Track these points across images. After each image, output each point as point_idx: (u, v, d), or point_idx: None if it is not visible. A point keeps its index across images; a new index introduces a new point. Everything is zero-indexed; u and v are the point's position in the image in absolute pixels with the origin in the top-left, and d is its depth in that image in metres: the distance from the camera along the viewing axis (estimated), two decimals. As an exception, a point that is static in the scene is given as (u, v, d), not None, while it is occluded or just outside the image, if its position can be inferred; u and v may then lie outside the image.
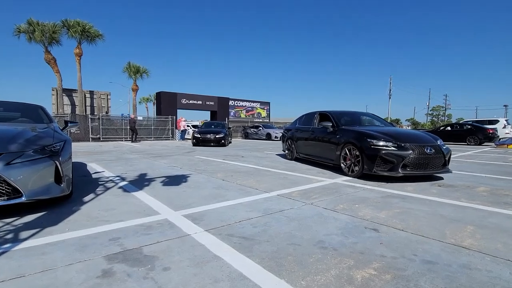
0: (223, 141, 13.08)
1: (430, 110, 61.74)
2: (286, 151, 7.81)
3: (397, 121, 62.47)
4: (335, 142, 5.51)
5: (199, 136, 13.25)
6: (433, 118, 62.43)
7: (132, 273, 1.86)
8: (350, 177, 4.88)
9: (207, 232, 2.46)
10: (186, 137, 19.89)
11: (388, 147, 4.52)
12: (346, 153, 5.14)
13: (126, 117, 20.10)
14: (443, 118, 60.52)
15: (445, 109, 60.13)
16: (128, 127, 18.38)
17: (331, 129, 5.77)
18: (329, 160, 5.71)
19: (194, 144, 13.36)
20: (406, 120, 67.90)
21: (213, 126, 15.20)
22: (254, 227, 2.55)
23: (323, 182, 4.66)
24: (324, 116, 6.40)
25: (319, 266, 1.95)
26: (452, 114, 63.29)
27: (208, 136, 13.19)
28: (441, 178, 4.91)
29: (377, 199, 3.54)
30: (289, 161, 7.69)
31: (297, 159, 7.42)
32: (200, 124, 22.42)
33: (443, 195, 3.77)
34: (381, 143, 4.57)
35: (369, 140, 4.70)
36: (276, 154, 9.26)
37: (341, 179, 4.87)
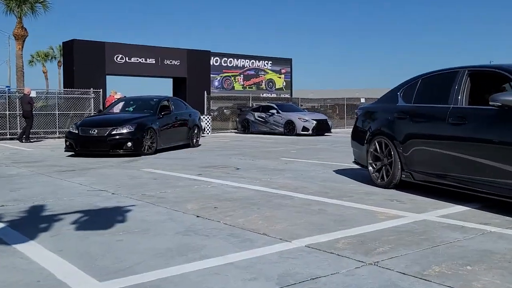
0: (129, 143, 11.90)
1: None
2: (373, 165, 6.89)
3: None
4: None
5: (76, 132, 12.27)
6: None
7: None
8: None
9: (165, 326, 2.44)
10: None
11: None
12: None
13: (4, 92, 20.19)
14: None
15: None
16: (19, 112, 18.45)
17: None
18: None
19: (69, 151, 12.37)
20: None
21: (131, 108, 14.47)
22: (261, 315, 2.59)
23: (399, 218, 4.65)
24: (492, 77, 5.64)
25: None
26: None
27: (93, 132, 12.00)
28: None
29: (511, 255, 3.49)
30: (329, 172, 7.65)
31: (405, 185, 6.41)
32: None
33: None
34: None
35: None
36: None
37: (435, 213, 4.84)
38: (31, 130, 17.87)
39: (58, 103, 20.81)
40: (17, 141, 17.64)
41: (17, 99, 18.69)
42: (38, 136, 19.34)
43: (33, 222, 4.65)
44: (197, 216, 4.86)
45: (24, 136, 17.52)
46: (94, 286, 2.97)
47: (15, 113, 18.70)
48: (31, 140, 17.87)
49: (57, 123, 20.48)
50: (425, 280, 3.00)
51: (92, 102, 21.12)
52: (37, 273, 3.19)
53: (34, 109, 17.98)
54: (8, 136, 18.97)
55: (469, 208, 5.13)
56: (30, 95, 18.25)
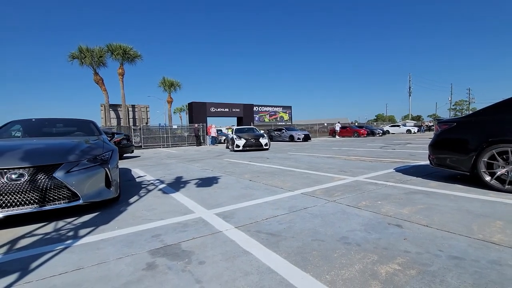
0: None
1: (453, 105, 57.90)
2: None
3: (418, 118, 59.20)
4: None
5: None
6: (457, 113, 58.31)
7: (172, 266, 1.93)
8: None
9: (236, 229, 2.45)
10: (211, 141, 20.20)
11: None
12: None
13: (163, 126, 20.93)
14: (467, 112, 56.15)
15: (469, 103, 55.80)
16: (193, 134, 19.95)
17: None
18: None
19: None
20: (428, 116, 63.89)
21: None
22: (280, 224, 2.54)
23: (345, 180, 4.48)
24: None
25: (343, 261, 1.90)
26: (477, 108, 58.32)
27: None
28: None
29: (399, 196, 3.34)
30: (311, 159, 7.47)
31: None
32: (226, 130, 23.01)
33: (469, 190, 3.45)
34: None
35: None
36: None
37: (363, 177, 4.67)
38: (175, 142, 18.45)
39: (186, 129, 21.41)
40: (195, 145, 18.76)
41: (192, 128, 19.86)
42: (177, 145, 19.76)
43: (177, 184, 4.66)
44: (250, 180, 4.70)
45: (199, 143, 18.66)
46: (205, 212, 3.00)
47: (187, 135, 19.66)
48: (200, 145, 18.69)
49: (186, 139, 20.96)
50: (358, 208, 2.91)
51: (201, 129, 21.55)
52: (179, 206, 3.28)
53: (171, 133, 18.81)
54: (165, 145, 19.65)
55: (383, 173, 4.84)
56: (198, 127, 19.29)
